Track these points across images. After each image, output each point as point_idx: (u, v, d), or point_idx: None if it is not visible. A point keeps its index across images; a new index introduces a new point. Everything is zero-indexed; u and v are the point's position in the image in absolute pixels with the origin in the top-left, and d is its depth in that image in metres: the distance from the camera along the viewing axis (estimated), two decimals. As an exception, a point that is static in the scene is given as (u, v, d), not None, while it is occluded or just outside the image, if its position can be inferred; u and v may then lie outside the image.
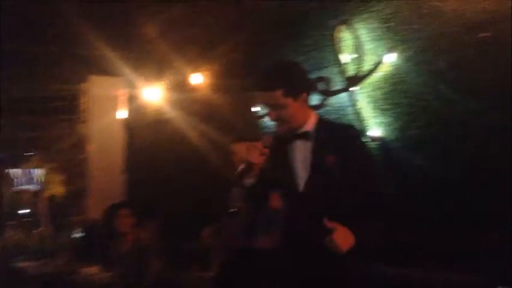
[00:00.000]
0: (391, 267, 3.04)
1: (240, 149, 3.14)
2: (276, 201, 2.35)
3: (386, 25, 3.43)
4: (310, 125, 2.17)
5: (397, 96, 3.38)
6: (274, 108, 2.11)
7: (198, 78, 4.77)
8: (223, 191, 3.57)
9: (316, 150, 2.12)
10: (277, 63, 2.24)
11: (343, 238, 1.97)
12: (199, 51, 4.76)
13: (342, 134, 2.17)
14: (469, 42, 3.00)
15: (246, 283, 3.01)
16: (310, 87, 2.21)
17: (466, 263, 2.80)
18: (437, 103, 3.16)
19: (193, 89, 4.83)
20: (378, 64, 3.46)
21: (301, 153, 2.15)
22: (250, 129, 4.30)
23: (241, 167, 2.25)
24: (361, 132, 3.46)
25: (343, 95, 3.72)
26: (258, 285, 2.86)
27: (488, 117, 2.94)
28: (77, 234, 5.09)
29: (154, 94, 5.14)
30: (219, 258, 3.43)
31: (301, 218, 2.15)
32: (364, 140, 2.87)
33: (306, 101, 2.16)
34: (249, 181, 2.22)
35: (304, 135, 2.15)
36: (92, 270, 4.05)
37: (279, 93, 2.06)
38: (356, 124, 3.60)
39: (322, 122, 2.21)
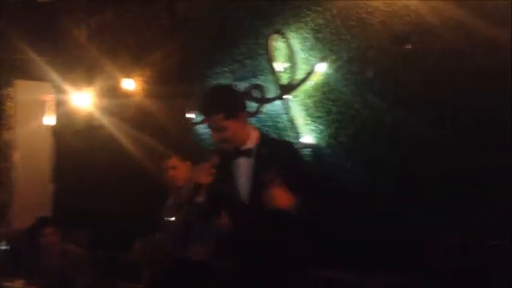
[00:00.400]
0: (326, 270, 3.13)
1: (178, 166, 3.25)
2: (225, 217, 2.45)
3: (317, 35, 3.52)
4: (252, 142, 2.32)
5: (328, 104, 3.48)
6: (217, 130, 2.27)
7: (130, 84, 4.67)
8: (157, 200, 3.53)
9: (257, 166, 2.26)
10: (214, 88, 2.50)
11: (282, 195, 2.08)
12: (131, 57, 4.67)
13: (282, 151, 2.33)
14: (396, 54, 3.13)
15: None
16: (244, 107, 2.37)
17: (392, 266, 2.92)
18: (366, 112, 3.28)
19: (125, 95, 4.71)
20: (310, 73, 3.54)
21: (244, 170, 2.29)
22: (184, 136, 4.26)
23: (189, 186, 2.44)
24: (296, 141, 3.56)
25: (277, 102, 3.77)
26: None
27: (414, 126, 3.09)
28: (1, 247, 4.82)
29: (84, 100, 4.98)
30: (152, 269, 3.39)
31: (245, 234, 2.27)
32: (300, 155, 2.99)
33: (245, 119, 2.32)
34: (199, 199, 2.33)
35: (247, 153, 2.30)
36: (17, 284, 3.89)
37: (220, 117, 2.23)
38: (289, 131, 3.69)
39: (263, 139, 2.36)
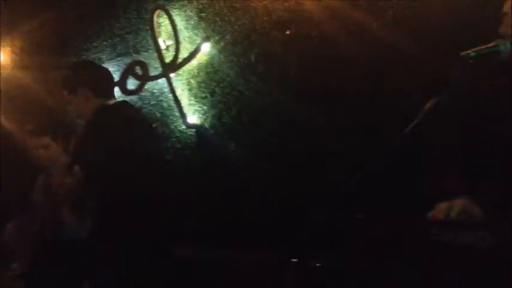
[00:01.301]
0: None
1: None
2: None
3: (201, 14, 3.48)
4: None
5: (211, 85, 3.48)
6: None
7: (-1, 55, 4.28)
8: (27, 180, 3.34)
9: None
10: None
11: None
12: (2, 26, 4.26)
13: None
14: (277, 38, 3.21)
15: (56, 275, 2.94)
16: (84, 82, 2.68)
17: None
18: (249, 93, 3.35)
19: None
20: (193, 52, 3.51)
21: None
22: (60, 113, 4.03)
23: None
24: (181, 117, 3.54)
25: (161, 81, 3.70)
26: (67, 275, 2.84)
27: (294, 108, 3.22)
28: None
29: None
30: (26, 252, 3.23)
31: None
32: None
33: (85, 94, 2.65)
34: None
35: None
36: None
37: (65, 92, 2.72)
38: (174, 111, 3.65)
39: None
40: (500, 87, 1.72)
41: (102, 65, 3.97)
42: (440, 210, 1.55)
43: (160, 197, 2.59)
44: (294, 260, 1.58)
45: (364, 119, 2.98)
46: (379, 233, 1.51)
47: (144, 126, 2.80)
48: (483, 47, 1.52)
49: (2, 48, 4.28)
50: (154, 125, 3.39)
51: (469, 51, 1.49)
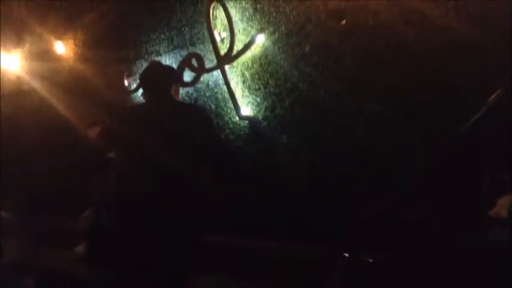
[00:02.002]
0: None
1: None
2: None
3: (256, 6, 3.48)
4: None
5: (265, 77, 3.48)
6: None
7: (61, 48, 4.46)
8: (90, 167, 3.45)
9: None
10: None
11: None
12: (63, 19, 4.44)
13: None
14: (332, 29, 3.16)
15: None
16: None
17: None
18: (303, 85, 3.32)
19: (56, 59, 4.51)
20: (248, 44, 3.51)
21: None
22: (120, 103, 4.16)
23: None
24: (235, 109, 3.57)
25: (216, 73, 3.74)
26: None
27: (348, 100, 3.17)
28: None
29: (12, 63, 4.72)
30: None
31: None
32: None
33: None
34: None
35: None
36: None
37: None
38: (228, 102, 3.68)
39: None
40: None
41: (160, 57, 4.08)
42: (502, 206, 1.48)
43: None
44: (345, 254, 1.55)
45: (421, 111, 2.89)
46: (438, 231, 1.46)
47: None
48: None
49: (64, 42, 4.45)
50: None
51: None
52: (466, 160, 2.15)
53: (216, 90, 3.76)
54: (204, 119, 2.97)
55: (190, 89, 3.89)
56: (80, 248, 3.35)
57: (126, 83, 4.23)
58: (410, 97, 2.93)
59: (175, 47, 3.98)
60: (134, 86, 4.19)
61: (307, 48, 3.27)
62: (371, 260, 1.96)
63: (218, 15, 3.68)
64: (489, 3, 2.59)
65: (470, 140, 1.43)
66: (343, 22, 3.11)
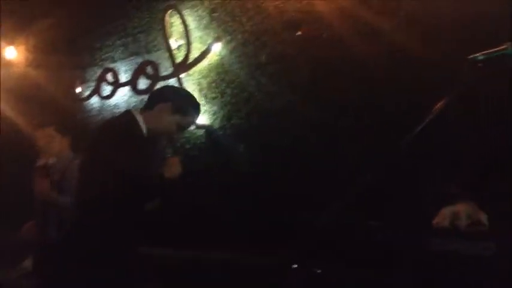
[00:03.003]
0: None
1: (54, 138, 3.05)
2: None
3: (212, 15, 3.47)
4: None
5: (222, 85, 3.46)
6: None
7: (12, 53, 4.32)
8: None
9: None
10: None
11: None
12: (14, 24, 4.30)
13: None
14: (288, 40, 3.18)
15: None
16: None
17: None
18: (259, 95, 3.32)
19: (7, 64, 4.35)
20: (204, 52, 3.49)
21: None
22: (69, 110, 4.05)
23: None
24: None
25: (172, 81, 3.69)
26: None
27: (304, 110, 3.19)
28: None
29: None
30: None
31: None
32: None
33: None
34: None
35: None
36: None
37: None
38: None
39: None
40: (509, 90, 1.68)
41: (114, 64, 4.00)
42: (444, 216, 1.51)
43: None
44: (294, 265, 1.54)
45: (374, 120, 2.93)
46: (381, 241, 1.47)
47: None
48: (492, 50, 1.48)
49: (17, 47, 4.31)
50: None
51: (477, 54, 1.45)
52: (411, 169, 2.20)
53: (172, 98, 3.71)
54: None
55: (144, 97, 3.82)
56: (27, 263, 3.23)
57: (78, 89, 4.12)
58: (363, 107, 2.97)
59: (130, 54, 3.92)
60: (87, 93, 4.09)
61: (263, 58, 3.28)
62: (319, 271, 1.96)
63: (174, 23, 3.64)
64: (441, 16, 2.66)
65: (416, 149, 1.46)
66: (299, 33, 3.13)
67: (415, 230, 1.47)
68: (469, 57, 1.45)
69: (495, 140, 1.65)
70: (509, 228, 1.28)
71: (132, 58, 3.92)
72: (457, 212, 1.49)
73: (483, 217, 1.49)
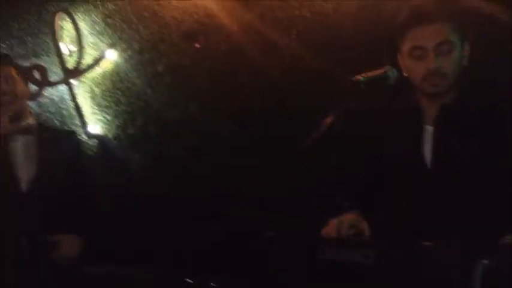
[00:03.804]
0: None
1: None
2: None
3: (107, 20, 3.36)
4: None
5: (117, 94, 3.36)
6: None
7: None
8: None
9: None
10: None
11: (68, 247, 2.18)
12: None
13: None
14: (186, 50, 3.18)
15: None
16: None
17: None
18: (156, 104, 3.27)
19: None
20: (98, 59, 3.37)
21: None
22: None
23: None
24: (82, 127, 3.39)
25: (62, 87, 3.51)
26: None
27: (201, 121, 3.19)
28: None
29: None
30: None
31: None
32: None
33: None
34: None
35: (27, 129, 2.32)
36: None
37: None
38: (75, 119, 3.47)
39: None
40: (391, 110, 1.83)
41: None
42: (332, 226, 1.59)
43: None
44: (189, 280, 1.54)
45: (272, 132, 3.02)
46: (276, 250, 1.52)
47: None
48: (373, 72, 1.60)
49: None
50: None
51: (359, 76, 1.56)
52: (301, 180, 2.31)
53: (61, 105, 3.53)
54: None
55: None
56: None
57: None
58: (262, 119, 3.05)
59: (15, 57, 3.66)
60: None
61: (160, 68, 3.24)
62: (214, 285, 1.98)
63: (65, 27, 3.48)
64: (333, 31, 2.82)
65: (305, 162, 1.54)
66: (197, 45, 3.14)
67: (306, 239, 1.53)
68: (352, 78, 1.56)
69: (378, 155, 1.79)
70: (388, 238, 1.40)
71: (18, 61, 3.66)
72: (342, 222, 1.58)
73: (365, 226, 1.59)
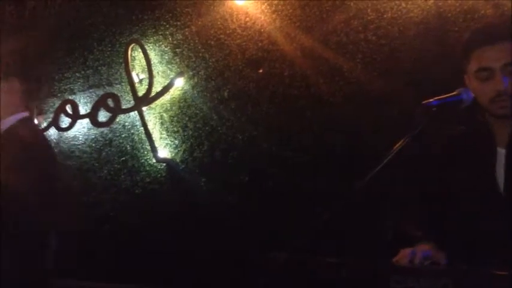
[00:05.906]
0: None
1: None
2: None
3: (175, 50, 3.51)
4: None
5: (184, 119, 3.48)
6: None
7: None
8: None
9: None
10: None
11: None
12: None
13: None
14: (250, 76, 3.25)
15: None
16: None
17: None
18: (221, 129, 3.35)
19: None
20: (167, 87, 3.51)
21: None
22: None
23: None
24: (152, 151, 3.52)
25: (133, 114, 3.68)
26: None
27: (266, 145, 3.23)
28: None
29: None
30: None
31: None
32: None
33: None
34: None
35: None
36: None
37: None
38: (145, 144, 3.62)
39: None
40: (461, 134, 1.78)
41: (74, 96, 3.96)
42: (404, 256, 1.56)
43: None
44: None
45: (337, 158, 3.00)
46: (342, 278, 1.50)
47: None
48: (446, 95, 1.57)
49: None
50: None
51: (431, 99, 1.54)
52: (370, 208, 2.26)
53: (132, 131, 3.70)
54: None
55: (105, 129, 3.79)
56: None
57: (36, 121, 4.03)
58: (325, 144, 3.04)
59: (90, 86, 3.89)
60: (45, 124, 4.01)
61: (225, 94, 3.33)
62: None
63: (137, 57, 3.66)
64: (396, 56, 2.79)
65: (374, 189, 1.52)
66: (260, 70, 3.21)
67: (375, 266, 1.51)
68: (423, 102, 1.54)
69: (450, 180, 1.74)
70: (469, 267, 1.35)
71: (92, 90, 3.89)
72: (416, 251, 1.54)
73: (442, 257, 1.55)
